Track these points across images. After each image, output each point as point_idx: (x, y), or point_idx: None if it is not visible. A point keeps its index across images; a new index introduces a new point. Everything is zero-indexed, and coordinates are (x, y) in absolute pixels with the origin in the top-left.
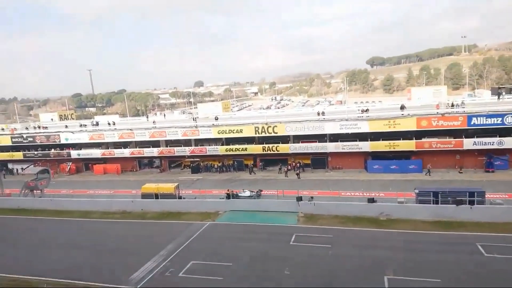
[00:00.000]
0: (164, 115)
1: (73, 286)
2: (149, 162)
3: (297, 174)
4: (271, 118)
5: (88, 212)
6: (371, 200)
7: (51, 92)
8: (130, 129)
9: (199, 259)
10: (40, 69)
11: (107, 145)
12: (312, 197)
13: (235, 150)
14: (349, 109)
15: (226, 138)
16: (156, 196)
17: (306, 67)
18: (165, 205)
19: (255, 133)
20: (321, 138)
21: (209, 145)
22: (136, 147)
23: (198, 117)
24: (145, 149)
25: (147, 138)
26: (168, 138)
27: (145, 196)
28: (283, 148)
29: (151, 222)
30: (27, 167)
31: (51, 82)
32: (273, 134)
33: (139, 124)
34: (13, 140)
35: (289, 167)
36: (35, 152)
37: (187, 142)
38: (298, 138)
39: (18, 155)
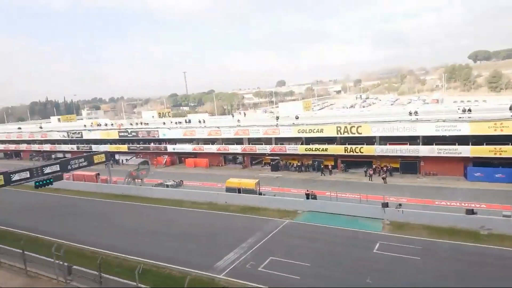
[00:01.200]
0: (244, 114)
1: (166, 269)
2: (233, 158)
3: (383, 178)
4: (355, 117)
5: (180, 201)
6: (471, 212)
7: (152, 92)
8: (218, 127)
9: (277, 256)
10: (143, 71)
11: (197, 141)
12: (400, 204)
13: (315, 150)
14: (446, 108)
15: (306, 138)
16: (239, 190)
17: (396, 62)
18: (246, 200)
19: (337, 133)
20: (412, 140)
21: (289, 144)
22: (222, 144)
23: (279, 116)
24: (230, 146)
25: (231, 136)
26: (250, 136)
27: (229, 189)
28: (368, 150)
29: (234, 215)
30: (131, 158)
31: (152, 83)
32: (356, 135)
33: (225, 122)
34: (120, 134)
35: (373, 170)
36: (138, 145)
37: (268, 141)
38: (385, 140)
39: (124, 147)
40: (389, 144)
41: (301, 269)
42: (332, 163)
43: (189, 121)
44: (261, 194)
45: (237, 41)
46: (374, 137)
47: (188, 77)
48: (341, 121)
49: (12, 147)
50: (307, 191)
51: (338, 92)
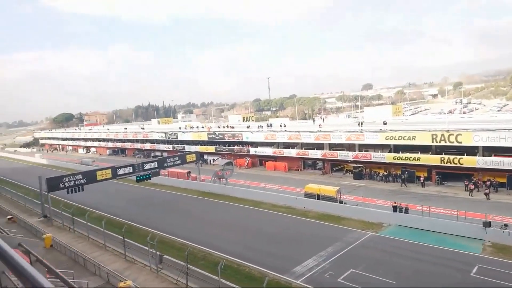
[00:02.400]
0: (323, 118)
1: (246, 267)
2: (312, 164)
3: (486, 194)
4: (454, 124)
5: (259, 203)
6: None
7: (238, 97)
8: (298, 132)
9: (358, 269)
10: (230, 78)
11: (278, 145)
12: (506, 225)
13: (405, 159)
14: None
15: (394, 145)
16: (318, 197)
17: (503, 64)
18: (326, 207)
19: (432, 141)
20: None
21: (375, 151)
22: (302, 148)
23: (364, 121)
24: (310, 151)
25: (312, 141)
26: (332, 141)
27: (307, 195)
28: (469, 161)
29: (312, 221)
30: (217, 159)
31: (238, 89)
32: (455, 144)
33: (305, 127)
34: (209, 136)
35: (474, 184)
36: (223, 147)
37: (350, 147)
38: (490, 151)
39: (211, 148)
40: (495, 155)
41: (385, 286)
42: (425, 174)
43: (271, 125)
44: (342, 203)
45: (321, 44)
46: (476, 147)
47: (271, 82)
48: (437, 128)
49: (119, 145)
50: (395, 203)
51: (434, 96)
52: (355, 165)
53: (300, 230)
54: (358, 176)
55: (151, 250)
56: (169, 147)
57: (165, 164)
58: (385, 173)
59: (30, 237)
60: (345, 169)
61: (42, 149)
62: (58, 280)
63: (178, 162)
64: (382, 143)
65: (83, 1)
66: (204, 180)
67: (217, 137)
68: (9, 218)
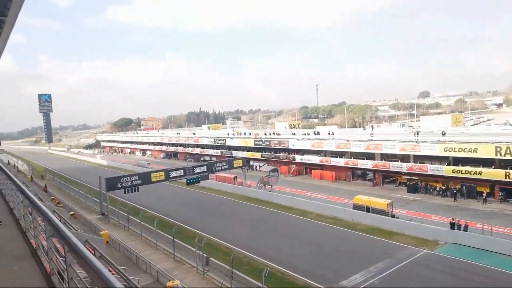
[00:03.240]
0: (372, 127)
1: (290, 277)
2: (362, 174)
3: None
4: None
5: (305, 212)
6: None
7: (285, 104)
8: (347, 140)
9: None
10: (277, 86)
11: (325, 153)
12: None
13: (465, 173)
14: None
15: (454, 157)
16: (368, 209)
17: None
18: (376, 221)
19: (496, 155)
20: None
21: (431, 163)
22: (351, 158)
23: (419, 131)
24: (360, 161)
25: (362, 150)
26: (384, 151)
27: (356, 207)
28: None
29: (361, 234)
30: (263, 165)
31: (285, 96)
32: None
33: (355, 135)
34: (255, 142)
35: None
36: (269, 154)
37: (404, 158)
38: None
39: (257, 155)
40: None
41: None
42: (487, 190)
43: (318, 133)
44: (394, 217)
45: (374, 49)
46: None
47: (320, 89)
48: (502, 140)
49: (172, 149)
50: (452, 219)
51: (499, 105)
52: (409, 177)
53: (348, 243)
54: (413, 189)
55: (198, 251)
56: (218, 152)
57: (214, 169)
58: (443, 187)
59: (89, 233)
60: (398, 181)
61: (103, 151)
62: (118, 276)
63: (226, 167)
64: (440, 155)
65: (144, 14)
66: (249, 185)
67: (263, 144)
68: (71, 214)
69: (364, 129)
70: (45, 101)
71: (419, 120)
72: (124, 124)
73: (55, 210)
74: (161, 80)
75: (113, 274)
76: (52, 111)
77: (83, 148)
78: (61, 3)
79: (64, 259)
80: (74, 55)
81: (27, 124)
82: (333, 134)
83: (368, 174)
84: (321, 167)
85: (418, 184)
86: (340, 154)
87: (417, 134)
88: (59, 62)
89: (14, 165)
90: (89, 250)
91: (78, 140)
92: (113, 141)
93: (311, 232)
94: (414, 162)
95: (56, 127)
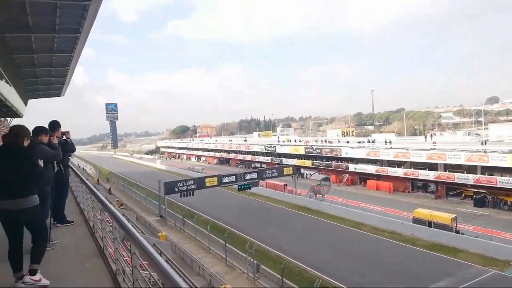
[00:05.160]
0: (431, 135)
1: None
2: (423, 186)
3: None
4: None
5: (359, 224)
6: None
7: (337, 111)
8: (406, 149)
9: None
10: (330, 92)
11: (381, 163)
12: None
13: None
14: None
15: None
16: (429, 224)
17: None
18: (438, 237)
19: None
20: None
21: (502, 176)
22: (410, 168)
23: (488, 140)
24: (420, 171)
25: (423, 160)
26: (448, 162)
27: (416, 221)
28: None
29: (421, 251)
30: (314, 173)
31: (338, 103)
32: None
33: (415, 144)
34: (306, 150)
35: None
36: (321, 162)
37: (471, 169)
38: None
39: (308, 163)
40: None
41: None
42: None
43: (373, 141)
44: (459, 233)
45: (436, 54)
46: None
47: (376, 95)
48: None
49: (225, 155)
50: None
51: None
52: (476, 190)
53: (406, 258)
54: (480, 203)
55: (249, 258)
56: (268, 159)
57: (264, 175)
58: None
59: (148, 234)
60: (463, 194)
61: (162, 156)
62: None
63: (276, 174)
64: (511, 166)
65: (201, 27)
66: (300, 194)
67: (314, 152)
68: (131, 214)
69: (426, 138)
70: (111, 110)
71: (487, 128)
72: (182, 131)
73: (124, 214)
74: (216, 89)
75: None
76: (117, 119)
77: (144, 154)
78: (127, 20)
79: (129, 259)
80: (139, 67)
81: (96, 131)
82: (390, 142)
83: (429, 186)
84: (377, 177)
85: (486, 198)
86: (398, 164)
87: (485, 143)
88: (125, 74)
89: (83, 168)
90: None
91: (140, 146)
92: (171, 147)
93: (366, 245)
94: (482, 174)
95: (121, 134)
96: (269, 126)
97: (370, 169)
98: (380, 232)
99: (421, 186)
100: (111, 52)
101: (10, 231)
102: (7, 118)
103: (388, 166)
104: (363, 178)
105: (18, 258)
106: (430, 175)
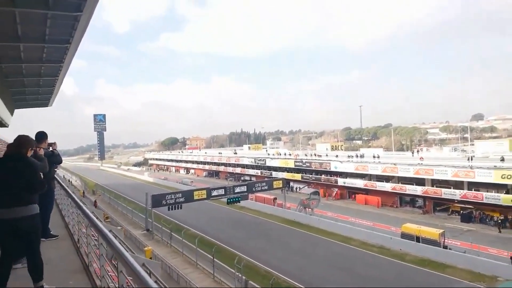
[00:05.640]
0: (417, 151)
1: None
2: (410, 200)
3: None
4: None
5: (348, 238)
6: None
7: (327, 125)
8: (394, 164)
9: None
10: (319, 106)
11: (370, 177)
12: None
13: None
14: None
15: None
16: (417, 239)
17: None
18: (426, 252)
19: None
20: None
21: (487, 191)
22: (398, 183)
23: (474, 156)
24: (408, 186)
25: (411, 175)
26: (435, 177)
27: (404, 236)
28: None
29: (410, 266)
30: (303, 187)
31: (327, 117)
32: None
33: (403, 159)
34: (295, 164)
35: None
36: (310, 176)
37: (458, 184)
38: None
39: (298, 176)
40: None
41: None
42: None
43: (362, 156)
44: (446, 248)
45: (423, 68)
46: None
47: (364, 110)
48: None
49: (214, 168)
50: None
51: None
52: (463, 205)
53: (396, 274)
54: (467, 218)
55: (237, 273)
56: (258, 172)
57: (254, 189)
58: (501, 218)
59: (134, 248)
60: (450, 210)
61: (150, 168)
62: None
63: (265, 187)
64: (496, 182)
65: (193, 40)
66: (289, 207)
67: (304, 165)
68: (119, 229)
69: (413, 153)
70: (99, 120)
71: (473, 144)
72: (171, 143)
73: (111, 230)
74: (206, 102)
75: None
76: (105, 130)
77: (132, 166)
78: (119, 30)
79: (115, 276)
80: (129, 79)
81: (83, 142)
82: (378, 157)
83: (417, 201)
84: (365, 191)
85: (473, 213)
86: (387, 179)
87: (471, 159)
88: (115, 85)
89: (69, 180)
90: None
91: (128, 158)
92: (160, 159)
93: (355, 260)
94: (468, 189)
95: (109, 145)
96: (259, 139)
97: (359, 183)
98: (369, 247)
99: (409, 201)
100: (102, 63)
101: (6, 242)
102: None
103: (377, 181)
104: (352, 192)
105: (7, 272)
106: (417, 190)
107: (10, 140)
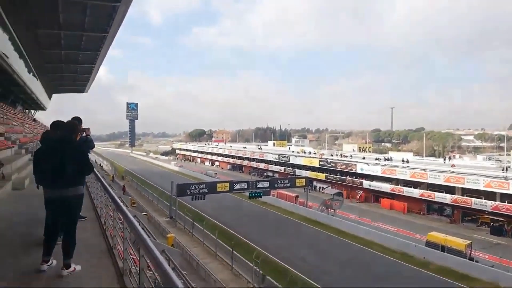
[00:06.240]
0: (450, 158)
1: None
2: (438, 208)
3: None
4: None
5: (369, 242)
6: None
7: (355, 126)
8: (424, 170)
9: None
10: (349, 107)
11: (397, 182)
12: None
13: None
14: None
15: None
16: (442, 248)
17: None
18: (451, 262)
19: None
20: None
21: None
22: (427, 189)
23: (510, 166)
24: (437, 194)
25: (440, 182)
26: (466, 186)
27: (429, 244)
28: None
29: (433, 275)
30: (326, 187)
31: (356, 118)
32: None
33: (433, 165)
34: (320, 163)
35: None
36: (334, 176)
37: (489, 195)
38: None
39: (322, 176)
40: None
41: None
42: None
43: (390, 159)
44: (472, 260)
45: (463, 73)
46: None
47: (396, 112)
48: None
49: (238, 161)
50: None
51: None
52: (493, 217)
53: (418, 283)
54: (497, 231)
55: (255, 267)
56: (281, 169)
57: (276, 185)
58: None
59: (157, 234)
60: (480, 221)
61: (177, 158)
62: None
63: (288, 184)
64: None
65: (226, 35)
66: (311, 207)
67: (328, 165)
68: (144, 215)
69: (445, 160)
70: (132, 109)
71: (509, 154)
72: (198, 135)
73: (136, 215)
74: (233, 96)
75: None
76: (137, 119)
77: (160, 154)
78: (154, 22)
79: (137, 260)
80: (162, 69)
81: (115, 129)
82: (407, 161)
83: (445, 209)
84: (391, 196)
85: (504, 227)
86: (415, 184)
87: (506, 170)
88: (148, 75)
89: (100, 164)
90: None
91: (157, 147)
92: (187, 150)
93: (376, 265)
94: (501, 201)
95: (139, 133)
96: (284, 136)
97: (385, 187)
98: (391, 252)
99: (437, 208)
100: (137, 52)
101: (55, 218)
102: (31, 110)
103: (404, 186)
104: (377, 196)
105: (53, 244)
106: (446, 198)
107: (48, 122)
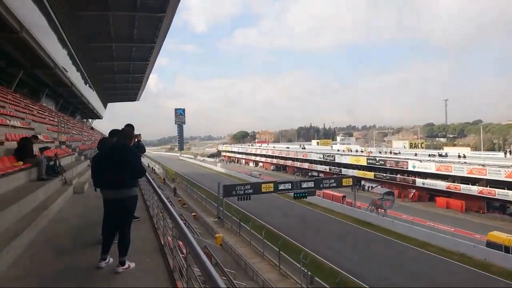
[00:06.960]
0: (510, 151)
1: None
2: (500, 206)
3: None
4: None
5: (425, 244)
6: None
7: (405, 121)
8: (482, 165)
9: None
10: (398, 101)
11: (453, 179)
12: None
13: None
14: None
15: None
16: (506, 249)
17: None
18: None
19: None
20: None
21: None
22: (486, 186)
23: None
24: (498, 190)
25: (502, 178)
26: None
27: (490, 244)
28: None
29: (497, 279)
30: (376, 186)
31: (406, 112)
32: None
33: (493, 160)
34: (368, 161)
35: None
36: (384, 174)
37: None
38: None
39: (370, 174)
40: None
41: None
42: None
43: (445, 155)
44: None
45: None
46: None
47: (450, 105)
48: None
49: (281, 162)
50: None
51: None
52: None
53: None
54: None
55: (302, 268)
56: (326, 168)
57: (321, 185)
58: None
59: (206, 234)
60: None
61: (222, 160)
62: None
63: (334, 184)
64: None
65: (266, 36)
66: (359, 207)
67: (377, 163)
68: (193, 215)
69: (505, 154)
70: (179, 114)
71: None
72: (241, 137)
73: (181, 214)
74: (276, 96)
75: (223, 278)
76: (185, 123)
77: (207, 157)
78: (197, 30)
79: (185, 258)
80: (206, 74)
81: (165, 134)
82: (464, 157)
83: (508, 207)
84: (447, 194)
85: None
86: (473, 181)
87: None
88: (193, 81)
89: (152, 168)
90: (207, 254)
91: (203, 149)
92: (231, 152)
93: (432, 268)
94: None
95: (187, 137)
96: (328, 135)
97: (441, 185)
98: (449, 254)
99: (498, 206)
100: (182, 60)
101: (111, 218)
102: (89, 119)
103: (461, 183)
104: (432, 194)
105: (110, 243)
106: (509, 194)
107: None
